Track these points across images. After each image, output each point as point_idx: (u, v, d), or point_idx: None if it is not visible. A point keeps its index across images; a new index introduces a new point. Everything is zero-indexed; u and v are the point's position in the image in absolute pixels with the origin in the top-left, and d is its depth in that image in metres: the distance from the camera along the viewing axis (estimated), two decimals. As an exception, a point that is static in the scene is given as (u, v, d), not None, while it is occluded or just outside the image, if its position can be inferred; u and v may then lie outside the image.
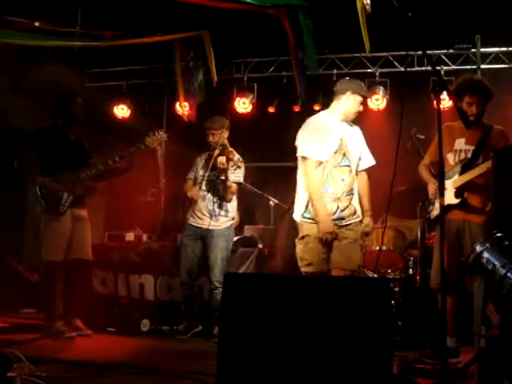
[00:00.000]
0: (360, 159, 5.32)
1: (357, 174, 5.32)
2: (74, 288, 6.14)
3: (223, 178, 6.36)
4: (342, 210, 5.14)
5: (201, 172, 6.61)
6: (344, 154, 5.19)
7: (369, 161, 5.42)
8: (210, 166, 6.40)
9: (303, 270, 5.18)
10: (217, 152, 6.40)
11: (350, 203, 5.18)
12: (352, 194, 5.21)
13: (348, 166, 5.19)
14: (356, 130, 5.43)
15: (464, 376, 3.76)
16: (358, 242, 5.18)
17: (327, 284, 2.90)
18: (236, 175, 6.46)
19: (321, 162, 5.15)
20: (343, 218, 5.15)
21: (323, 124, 5.33)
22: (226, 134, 6.56)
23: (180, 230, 7.01)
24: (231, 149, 6.49)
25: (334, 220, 5.11)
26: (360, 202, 5.33)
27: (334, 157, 5.16)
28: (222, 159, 6.27)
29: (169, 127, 9.54)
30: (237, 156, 6.45)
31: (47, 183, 6.03)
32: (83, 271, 6.24)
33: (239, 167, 6.44)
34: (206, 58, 7.63)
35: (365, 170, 5.41)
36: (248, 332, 2.73)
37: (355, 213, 5.22)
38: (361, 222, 5.29)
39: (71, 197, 6.07)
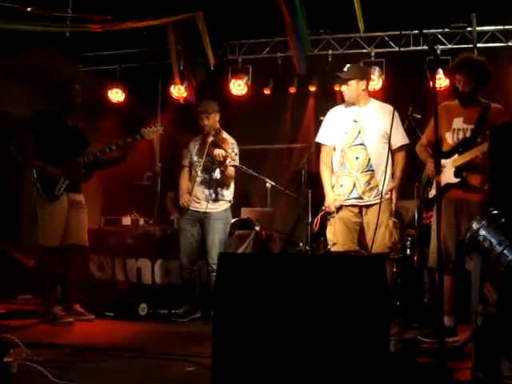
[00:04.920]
0: (387, 137, 5.36)
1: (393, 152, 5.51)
2: (71, 273, 6.14)
3: (222, 168, 6.43)
4: (361, 187, 5.43)
5: (195, 158, 6.62)
6: (359, 133, 5.49)
7: (398, 140, 5.55)
8: (206, 152, 6.39)
9: (331, 249, 5.62)
10: (211, 139, 6.41)
11: (369, 179, 5.45)
12: (371, 170, 5.46)
13: (362, 144, 5.47)
14: (378, 109, 5.62)
15: (461, 354, 3.76)
16: (385, 224, 5.40)
17: (322, 263, 2.88)
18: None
19: (333, 148, 5.63)
20: (361, 198, 5.45)
21: (333, 112, 5.77)
22: (217, 117, 6.61)
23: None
24: (225, 134, 6.56)
25: (353, 199, 5.47)
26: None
27: (346, 138, 5.51)
28: (219, 152, 6.31)
29: (163, 110, 9.52)
30: (231, 141, 6.56)
31: (44, 166, 5.99)
32: (79, 256, 6.24)
33: (234, 152, 6.50)
34: (202, 40, 7.57)
35: (399, 148, 5.59)
36: (243, 312, 2.72)
37: (377, 191, 5.39)
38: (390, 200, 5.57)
39: (67, 181, 6.04)
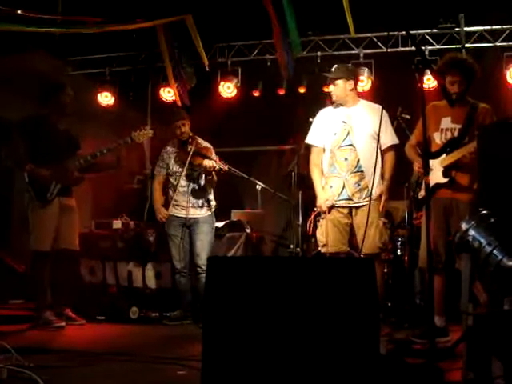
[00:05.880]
0: (376, 137, 5.35)
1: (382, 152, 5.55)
2: (61, 278, 6.12)
3: (210, 177, 6.48)
4: (350, 188, 5.43)
5: (174, 168, 6.64)
6: (348, 133, 5.49)
7: (387, 140, 5.56)
8: (188, 161, 6.38)
9: (321, 250, 5.62)
10: (192, 148, 6.39)
11: (359, 180, 5.45)
12: (360, 171, 5.45)
13: (351, 145, 5.47)
14: (367, 110, 5.62)
15: (453, 355, 3.77)
16: (375, 225, 5.39)
17: (312, 265, 2.88)
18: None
19: (323, 149, 5.62)
20: (351, 199, 5.45)
21: (322, 113, 5.77)
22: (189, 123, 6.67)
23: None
24: (199, 140, 6.58)
25: (343, 200, 5.47)
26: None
27: (335, 139, 5.51)
28: (210, 164, 6.31)
29: (153, 113, 9.50)
30: (208, 146, 6.62)
31: (36, 170, 5.97)
32: (70, 261, 6.21)
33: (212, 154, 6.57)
34: (192, 43, 7.56)
35: (388, 148, 5.59)
36: (233, 315, 2.72)
37: (367, 192, 5.38)
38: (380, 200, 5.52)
39: (59, 185, 6.03)
